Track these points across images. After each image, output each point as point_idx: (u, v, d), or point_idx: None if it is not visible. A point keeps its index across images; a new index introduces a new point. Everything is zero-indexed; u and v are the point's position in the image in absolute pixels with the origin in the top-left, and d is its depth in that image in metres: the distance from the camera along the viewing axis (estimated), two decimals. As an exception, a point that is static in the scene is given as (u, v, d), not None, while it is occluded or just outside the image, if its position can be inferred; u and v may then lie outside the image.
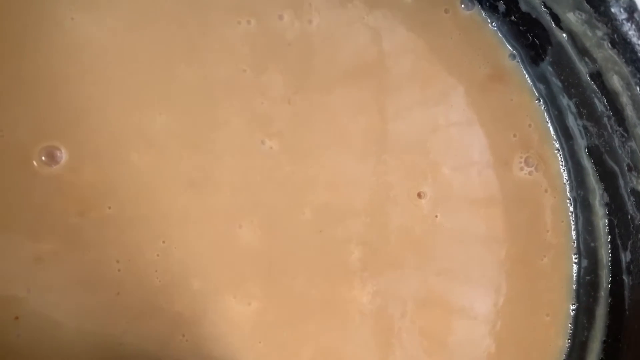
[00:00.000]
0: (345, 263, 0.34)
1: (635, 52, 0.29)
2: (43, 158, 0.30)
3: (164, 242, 0.31)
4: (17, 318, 0.29)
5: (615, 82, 0.31)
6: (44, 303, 0.30)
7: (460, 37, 0.36)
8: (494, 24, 0.36)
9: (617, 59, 0.30)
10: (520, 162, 0.37)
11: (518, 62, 0.36)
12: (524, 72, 0.37)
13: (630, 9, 0.28)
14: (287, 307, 0.33)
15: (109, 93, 0.31)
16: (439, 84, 0.36)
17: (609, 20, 0.29)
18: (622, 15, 0.29)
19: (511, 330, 0.36)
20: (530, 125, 0.37)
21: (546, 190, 0.37)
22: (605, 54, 0.31)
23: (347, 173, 0.34)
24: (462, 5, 0.36)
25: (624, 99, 0.31)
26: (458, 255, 0.36)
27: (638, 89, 0.30)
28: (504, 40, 0.36)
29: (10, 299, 0.30)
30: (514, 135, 0.37)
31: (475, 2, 0.36)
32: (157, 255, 0.31)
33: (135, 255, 0.31)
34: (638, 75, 0.29)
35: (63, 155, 0.30)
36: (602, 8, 0.29)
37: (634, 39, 0.29)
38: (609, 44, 0.30)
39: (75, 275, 0.30)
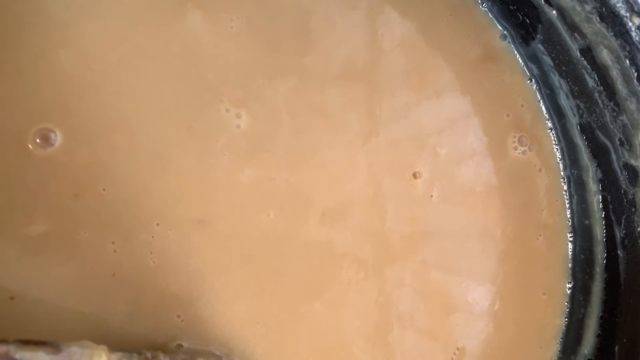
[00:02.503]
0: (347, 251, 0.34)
1: (624, 25, 0.29)
2: (38, 140, 0.30)
3: (158, 224, 0.32)
4: (12, 298, 0.29)
5: (605, 56, 0.31)
6: (40, 284, 0.30)
7: (452, 18, 0.37)
8: (484, 4, 0.37)
9: (606, 32, 0.30)
10: (514, 142, 0.37)
11: (509, 42, 0.37)
12: (515, 52, 0.37)
13: (618, -18, 0.29)
14: (285, 289, 0.33)
15: (103, 76, 0.32)
16: (431, 65, 0.36)
17: (597, -7, 0.29)
18: (610, -12, 0.29)
19: (509, 310, 0.36)
20: (522, 105, 0.37)
21: (540, 170, 0.37)
22: (594, 28, 0.31)
23: (343, 155, 0.35)
24: (453, -13, 0.36)
25: (614, 73, 0.31)
26: (454, 236, 0.36)
27: (627, 61, 0.30)
28: (494, 20, 0.37)
29: (6, 279, 0.30)
30: (507, 115, 0.37)
31: (466, -17, 0.36)
32: (152, 236, 0.31)
33: (130, 237, 0.31)
34: (627, 48, 0.30)
35: (58, 138, 0.31)
36: (590, -18, 0.29)
37: (622, 12, 0.29)
38: (598, 18, 0.30)
39: (71, 256, 0.30)
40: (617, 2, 0.29)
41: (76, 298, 0.30)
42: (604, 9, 0.29)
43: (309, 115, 0.34)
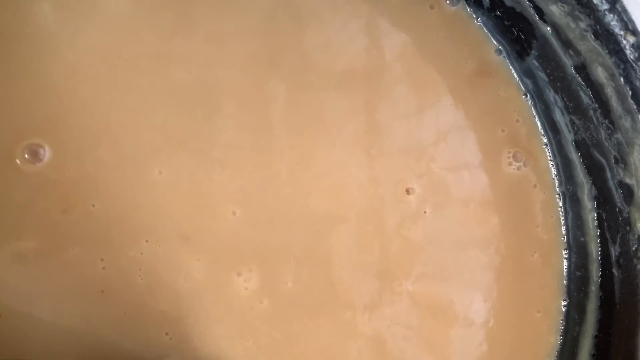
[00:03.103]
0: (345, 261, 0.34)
1: (618, 43, 0.29)
2: (26, 156, 0.30)
3: (147, 241, 0.31)
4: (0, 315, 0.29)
5: (600, 73, 0.31)
6: (27, 301, 0.30)
7: (447, 33, 0.36)
8: (479, 19, 0.36)
9: (600, 50, 0.30)
10: (509, 158, 0.37)
11: (504, 57, 0.36)
12: (511, 67, 0.37)
13: (612, 0, 0.28)
14: (277, 306, 0.33)
15: (93, 91, 0.31)
16: (427, 80, 0.36)
17: (591, 11, 0.29)
18: (604, 6, 0.29)
19: (503, 327, 0.36)
20: (518, 121, 0.37)
21: (535, 186, 0.37)
22: (588, 45, 0.31)
23: (337, 169, 0.34)
24: (447, 1, 0.36)
25: (609, 91, 0.31)
26: (447, 253, 0.35)
27: (622, 79, 0.29)
28: (489, 35, 0.36)
29: (-8, 297, 0.29)
30: (502, 131, 0.37)
31: (460, -2, 0.36)
32: (141, 253, 0.31)
33: (119, 254, 0.31)
34: (621, 66, 0.29)
35: (46, 153, 0.30)
36: (584, -1, 0.29)
37: (616, 30, 0.29)
38: (592, 36, 0.30)
39: (59, 273, 0.30)
40: (612, 20, 0.29)
41: (64, 315, 0.30)
42: (598, 27, 0.29)
43: (303, 126, 0.34)
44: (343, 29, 0.35)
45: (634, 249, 0.32)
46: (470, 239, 0.36)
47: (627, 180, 0.32)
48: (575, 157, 0.35)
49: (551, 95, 0.35)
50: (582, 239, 0.36)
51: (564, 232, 0.37)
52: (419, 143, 0.36)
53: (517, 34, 0.35)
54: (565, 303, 0.36)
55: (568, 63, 0.33)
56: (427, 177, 0.36)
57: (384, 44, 0.36)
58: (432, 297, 0.35)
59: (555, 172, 0.37)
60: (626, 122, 0.30)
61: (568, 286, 0.36)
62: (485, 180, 0.36)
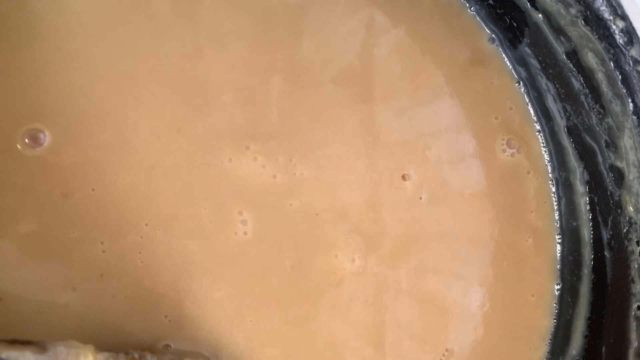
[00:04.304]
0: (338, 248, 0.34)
1: (608, 28, 0.30)
2: (26, 140, 0.31)
3: (146, 224, 0.32)
4: (0, 299, 0.29)
5: (590, 59, 0.31)
6: (28, 283, 0.30)
7: (441, 22, 0.37)
8: (472, 8, 0.37)
9: (590, 36, 0.31)
10: (503, 145, 0.37)
11: (497, 45, 0.37)
12: (503, 55, 0.37)
13: (601, -14, 0.29)
14: (275, 291, 0.33)
15: (93, 77, 0.32)
16: (421, 69, 0.37)
17: (581, -3, 0.30)
18: (594, -8, 0.29)
19: (498, 311, 0.36)
20: (511, 108, 0.38)
21: (529, 172, 0.37)
22: (579, 31, 0.31)
23: (335, 159, 0.35)
24: (441, -9, 0.37)
25: (599, 76, 0.31)
26: (443, 238, 0.36)
27: (612, 64, 0.30)
28: (482, 24, 0.37)
29: (-7, 279, 0.30)
30: (496, 118, 0.37)
31: (454, -13, 0.37)
32: (141, 237, 0.31)
33: (119, 237, 0.31)
34: (611, 51, 0.30)
35: (46, 138, 0.31)
36: (574, -15, 0.30)
37: (606, 15, 0.29)
38: (583, 22, 0.31)
39: (59, 256, 0.30)
40: (601, 6, 0.29)
41: (64, 298, 0.30)
42: (588, 13, 0.30)
43: (301, 117, 0.35)
44: (340, 19, 0.36)
45: (625, 231, 0.33)
46: (465, 224, 0.36)
47: (618, 164, 0.32)
48: (567, 142, 0.36)
49: (543, 82, 0.36)
50: (574, 223, 0.36)
51: (557, 218, 0.37)
52: (414, 131, 0.36)
53: (510, 22, 0.36)
54: (558, 287, 0.37)
55: (559, 50, 0.33)
56: (423, 164, 0.36)
57: (379, 34, 0.36)
58: (427, 282, 0.35)
59: (548, 158, 0.37)
60: (616, 107, 0.31)
61: (561, 270, 0.37)
62: (480, 167, 0.37)
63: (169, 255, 0.32)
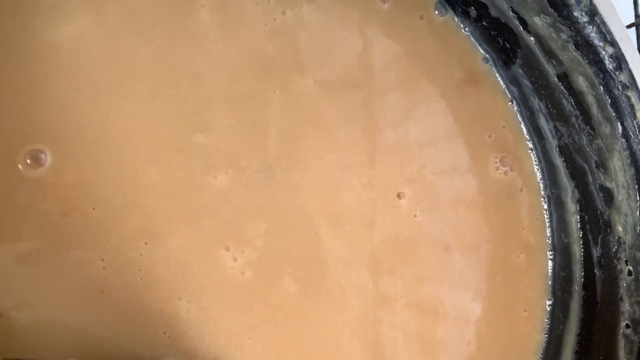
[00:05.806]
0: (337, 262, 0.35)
1: (597, 54, 0.30)
2: (28, 161, 0.31)
3: (146, 243, 0.32)
4: (0, 315, 0.30)
5: (581, 82, 0.32)
6: (28, 301, 0.30)
7: (436, 42, 0.38)
8: (466, 29, 0.38)
9: (581, 60, 0.31)
10: (496, 162, 0.38)
11: (491, 65, 0.38)
12: (497, 75, 0.38)
13: (592, 12, 0.30)
14: (273, 307, 0.34)
15: (93, 98, 0.32)
16: (416, 87, 0.37)
17: (572, 23, 0.31)
18: (584, 19, 0.30)
19: (490, 327, 0.37)
20: (504, 127, 0.38)
21: (521, 189, 0.38)
22: (570, 55, 0.32)
23: (331, 175, 0.35)
24: (436, 12, 0.38)
25: (589, 99, 0.32)
26: (437, 255, 0.37)
27: (602, 88, 0.31)
28: (476, 44, 0.38)
29: (-5, 297, 0.30)
30: (489, 136, 0.38)
31: (449, 8, 0.37)
32: (140, 254, 0.32)
33: (119, 254, 0.32)
34: (601, 76, 0.31)
35: (47, 158, 0.31)
36: (565, 12, 0.30)
37: (596, 41, 0.30)
38: (573, 46, 0.31)
39: (60, 273, 0.31)
40: (591, 32, 0.30)
41: (64, 314, 0.31)
42: (578, 38, 0.31)
43: (297, 133, 0.35)
44: (337, 39, 0.36)
45: (614, 250, 0.33)
46: (459, 241, 0.37)
47: (607, 184, 0.33)
48: (559, 161, 0.37)
49: (536, 102, 0.37)
50: (565, 240, 0.37)
51: (548, 234, 0.38)
52: (410, 149, 0.37)
53: (503, 44, 0.36)
54: (550, 302, 0.37)
55: (551, 72, 0.34)
56: (418, 182, 0.37)
57: (376, 53, 0.37)
58: (422, 298, 0.36)
59: (540, 176, 0.38)
60: (606, 129, 0.32)
61: (553, 286, 0.37)
62: (474, 184, 0.38)
63: (168, 272, 0.32)
